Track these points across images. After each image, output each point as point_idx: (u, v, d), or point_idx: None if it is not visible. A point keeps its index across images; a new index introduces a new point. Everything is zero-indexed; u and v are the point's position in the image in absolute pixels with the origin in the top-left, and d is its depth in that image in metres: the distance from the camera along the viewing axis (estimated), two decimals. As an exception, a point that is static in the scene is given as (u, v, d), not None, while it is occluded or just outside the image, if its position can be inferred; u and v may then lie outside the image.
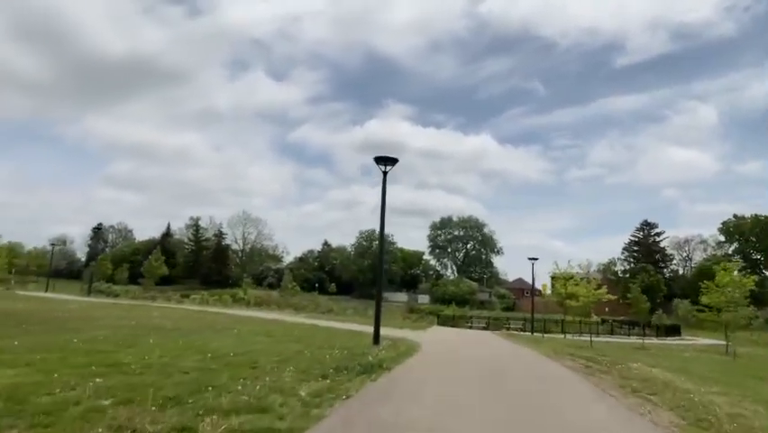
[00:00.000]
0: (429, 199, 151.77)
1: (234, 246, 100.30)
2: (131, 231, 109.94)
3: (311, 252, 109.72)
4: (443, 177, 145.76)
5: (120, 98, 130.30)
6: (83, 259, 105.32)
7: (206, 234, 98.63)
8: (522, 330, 40.39)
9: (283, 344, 14.79)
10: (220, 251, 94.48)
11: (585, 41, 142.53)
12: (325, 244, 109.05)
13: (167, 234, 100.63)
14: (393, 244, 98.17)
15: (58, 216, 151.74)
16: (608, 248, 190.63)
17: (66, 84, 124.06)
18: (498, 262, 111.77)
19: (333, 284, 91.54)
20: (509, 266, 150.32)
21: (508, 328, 40.00)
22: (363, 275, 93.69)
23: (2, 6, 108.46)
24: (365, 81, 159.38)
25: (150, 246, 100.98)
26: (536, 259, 36.62)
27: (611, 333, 46.65)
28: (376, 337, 16.81)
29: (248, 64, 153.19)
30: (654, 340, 41.72)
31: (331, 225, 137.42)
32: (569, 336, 37.13)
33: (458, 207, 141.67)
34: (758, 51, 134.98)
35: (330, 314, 64.23)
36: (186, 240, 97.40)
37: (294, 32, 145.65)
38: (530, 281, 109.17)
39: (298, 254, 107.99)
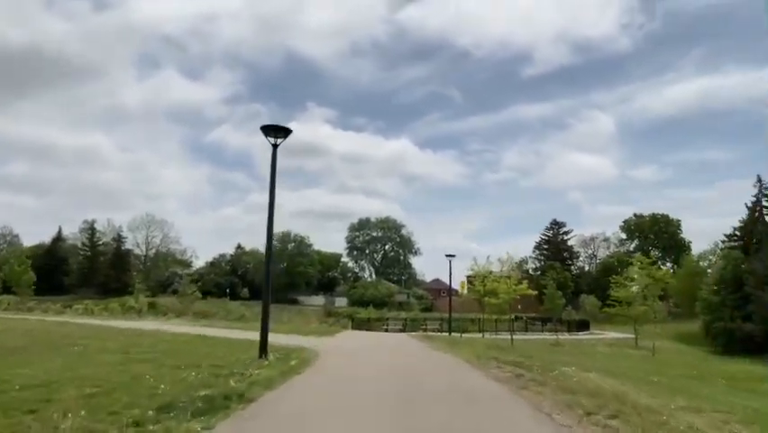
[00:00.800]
0: (350, 203, 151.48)
1: (137, 251, 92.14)
2: (16, 236, 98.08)
3: (223, 256, 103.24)
4: (364, 180, 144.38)
5: (17, 95, 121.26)
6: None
7: (105, 238, 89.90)
8: (439, 331, 38.25)
9: (130, 364, 11.06)
10: (119, 256, 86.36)
11: (497, 51, 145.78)
12: (238, 247, 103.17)
13: (58, 238, 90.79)
14: (310, 246, 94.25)
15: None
16: (520, 248, 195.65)
17: None
18: (416, 262, 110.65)
19: (245, 289, 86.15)
20: (427, 267, 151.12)
21: (425, 329, 37.65)
22: (278, 279, 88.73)
23: None
24: (285, 83, 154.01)
25: (38, 253, 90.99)
26: (453, 256, 34.58)
27: (526, 330, 45.71)
28: (262, 349, 13.42)
29: (159, 62, 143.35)
30: (567, 336, 41.18)
31: (250, 230, 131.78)
32: (487, 336, 35.51)
33: (377, 209, 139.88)
34: (648, 66, 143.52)
35: (240, 321, 59.57)
36: (80, 245, 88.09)
37: (210, 31, 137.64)
38: (447, 282, 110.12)
39: (210, 259, 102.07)
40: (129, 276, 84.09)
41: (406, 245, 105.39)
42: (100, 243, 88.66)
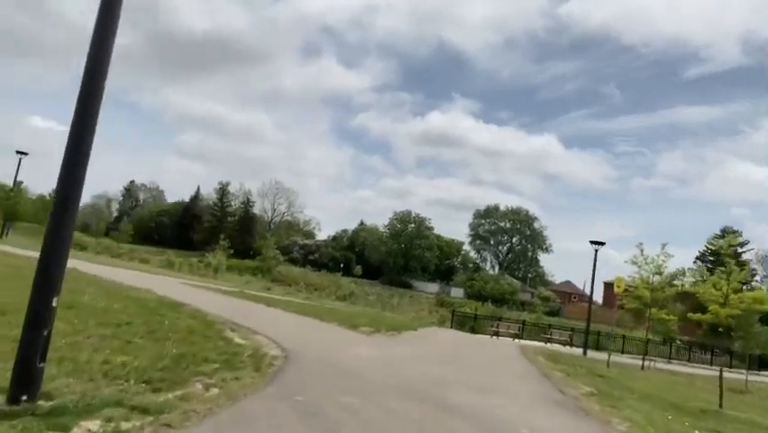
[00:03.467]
0: (483, 196, 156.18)
1: (265, 217, 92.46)
2: (162, 191, 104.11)
3: (345, 231, 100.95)
4: (501, 175, 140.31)
5: (197, 74, 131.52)
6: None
7: (235, 201, 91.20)
8: (568, 344, 29.57)
9: None
10: (245, 219, 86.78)
11: (664, 48, 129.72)
12: (360, 223, 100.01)
13: (195, 197, 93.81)
14: (430, 228, 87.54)
15: (126, 176, 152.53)
16: (670, 262, 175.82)
17: (148, 56, 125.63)
18: (545, 261, 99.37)
19: (359, 266, 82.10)
20: (557, 269, 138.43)
21: (549, 340, 29.13)
22: (394, 259, 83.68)
23: None
24: (433, 73, 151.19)
25: (177, 208, 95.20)
26: (602, 243, 25.53)
27: (689, 359, 35.06)
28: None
29: (320, 50, 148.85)
30: (754, 376, 29.82)
31: (381, 212, 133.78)
32: (631, 358, 26.29)
33: (512, 205, 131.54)
34: None
35: (342, 301, 55.06)
36: (211, 205, 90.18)
37: (368, 22, 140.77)
38: (580, 286, 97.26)
39: (332, 234, 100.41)
40: (253, 239, 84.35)
41: (537, 240, 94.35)
42: (230, 205, 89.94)
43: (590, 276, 25.97)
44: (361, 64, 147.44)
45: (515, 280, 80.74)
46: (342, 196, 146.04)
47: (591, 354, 24.81)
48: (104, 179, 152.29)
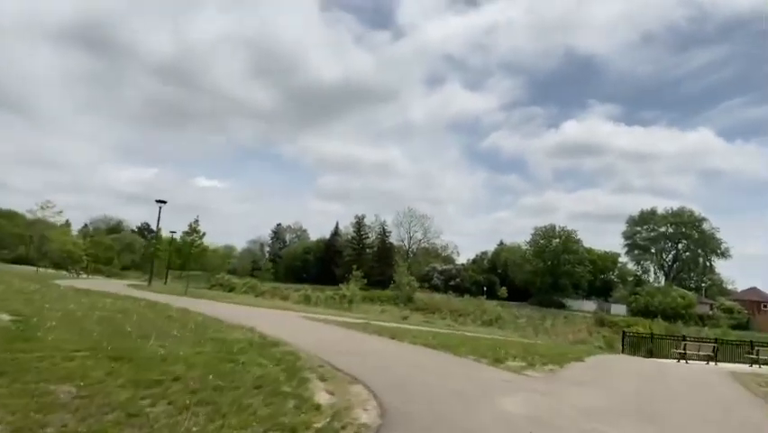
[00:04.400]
0: (633, 203, 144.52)
1: (399, 244, 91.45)
2: (305, 231, 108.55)
3: (485, 253, 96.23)
4: (651, 178, 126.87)
5: (330, 119, 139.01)
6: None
7: (372, 233, 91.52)
8: (788, 367, 22.65)
9: None
10: (383, 249, 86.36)
11: None
12: (500, 243, 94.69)
13: (335, 233, 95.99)
14: (577, 241, 79.45)
15: (276, 221, 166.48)
16: None
17: (286, 109, 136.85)
18: (721, 267, 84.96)
19: (503, 288, 76.75)
20: (737, 276, 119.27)
21: (757, 361, 22.48)
22: (541, 278, 76.89)
23: (244, 50, 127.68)
24: (564, 83, 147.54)
25: (320, 245, 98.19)
26: None
27: None
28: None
29: (444, 78, 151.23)
30: None
31: (521, 232, 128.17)
32: None
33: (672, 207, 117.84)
34: None
35: (488, 326, 50.75)
36: (349, 238, 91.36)
37: (488, 43, 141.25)
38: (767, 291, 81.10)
39: (472, 257, 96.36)
40: (392, 269, 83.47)
41: (709, 244, 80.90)
42: (367, 236, 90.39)
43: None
44: (486, 85, 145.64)
45: (687, 292, 69.41)
46: (479, 219, 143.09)
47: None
48: (258, 226, 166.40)
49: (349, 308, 31.50)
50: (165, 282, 46.12)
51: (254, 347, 8.92)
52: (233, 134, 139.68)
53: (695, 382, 12.64)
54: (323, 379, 6.94)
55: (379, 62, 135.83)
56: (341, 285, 38.95)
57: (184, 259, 34.12)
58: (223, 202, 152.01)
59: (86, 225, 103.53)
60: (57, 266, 55.10)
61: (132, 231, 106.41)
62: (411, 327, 19.26)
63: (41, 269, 48.03)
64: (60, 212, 57.06)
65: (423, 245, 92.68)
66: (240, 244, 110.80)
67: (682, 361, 21.76)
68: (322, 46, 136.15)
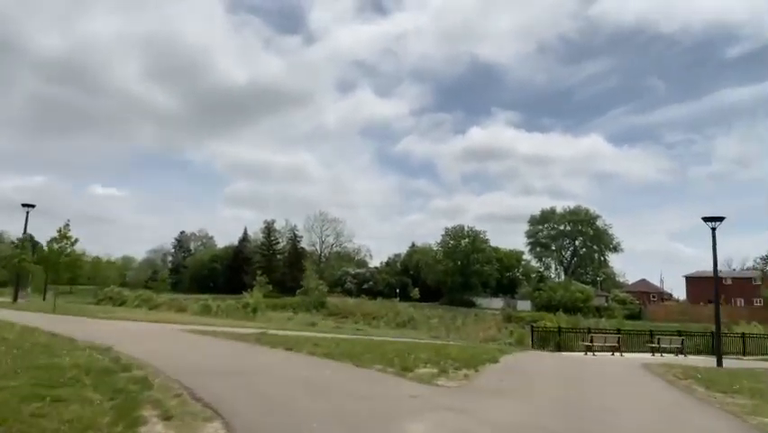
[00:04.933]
0: (534, 205, 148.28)
1: (311, 249, 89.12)
2: (211, 238, 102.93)
3: (397, 256, 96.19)
4: (550, 180, 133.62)
5: (240, 124, 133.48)
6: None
7: (282, 238, 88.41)
8: (681, 353, 23.53)
9: None
10: (294, 255, 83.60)
11: (703, 31, 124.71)
12: (411, 246, 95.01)
13: (244, 239, 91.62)
14: (486, 241, 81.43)
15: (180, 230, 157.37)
16: (744, 248, 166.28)
17: (192, 114, 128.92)
18: (614, 261, 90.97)
19: (416, 289, 76.88)
20: (627, 270, 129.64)
21: (657, 350, 23.17)
22: (451, 278, 77.87)
23: (144, 51, 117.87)
24: (470, 90, 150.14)
25: (228, 253, 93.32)
26: (721, 220, 19.45)
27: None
28: None
29: (354, 84, 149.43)
30: None
31: (433, 234, 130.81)
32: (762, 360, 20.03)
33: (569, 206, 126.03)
34: None
35: (401, 328, 49.95)
36: (259, 245, 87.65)
37: (397, 50, 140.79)
38: (657, 283, 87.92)
39: (385, 260, 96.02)
40: (303, 275, 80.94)
41: (603, 240, 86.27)
42: (277, 242, 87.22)
43: (711, 261, 19.73)
44: (396, 91, 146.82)
45: (585, 286, 73.21)
46: (392, 222, 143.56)
47: (708, 360, 18.80)
48: (161, 236, 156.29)
49: (253, 317, 29.10)
50: (44, 298, 40.73)
51: (92, 375, 6.85)
52: (133, 140, 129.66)
53: (617, 380, 12.03)
54: (167, 417, 5.13)
55: (290, 67, 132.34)
56: (244, 293, 36.28)
57: (53, 270, 29.75)
58: (123, 211, 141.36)
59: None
60: None
61: (13, 243, 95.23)
62: (317, 334, 17.51)
63: None
64: None
65: (335, 250, 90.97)
66: (141, 255, 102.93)
67: (590, 353, 21.85)
68: (228, 49, 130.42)
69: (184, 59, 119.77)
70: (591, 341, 22.74)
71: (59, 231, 29.51)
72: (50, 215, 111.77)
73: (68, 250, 29.33)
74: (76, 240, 29.71)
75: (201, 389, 6.52)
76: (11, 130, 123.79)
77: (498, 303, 72.19)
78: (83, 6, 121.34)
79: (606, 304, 69.42)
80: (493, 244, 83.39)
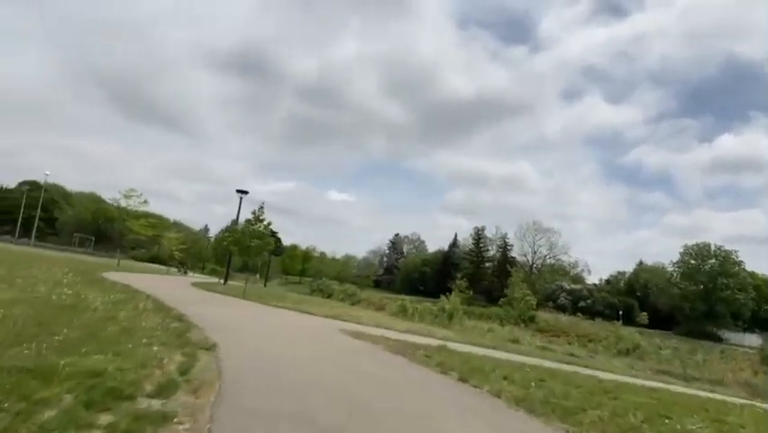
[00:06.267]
0: None
1: (522, 259, 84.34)
2: (423, 242, 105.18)
3: (621, 274, 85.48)
4: None
5: (461, 134, 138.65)
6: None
7: (492, 246, 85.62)
8: None
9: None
10: (504, 264, 79.98)
11: None
12: (639, 264, 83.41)
13: (453, 244, 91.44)
14: (739, 263, 66.80)
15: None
16: None
17: (419, 125, 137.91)
18: None
19: (643, 313, 66.64)
20: None
21: None
22: (691, 304, 65.57)
23: (380, 69, 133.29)
24: (721, 93, 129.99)
25: (438, 258, 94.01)
26: None
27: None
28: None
29: (582, 91, 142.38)
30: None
31: (664, 254, 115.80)
32: None
33: None
34: None
35: (623, 357, 42.50)
36: (468, 251, 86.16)
37: (635, 53, 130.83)
38: None
39: (606, 277, 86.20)
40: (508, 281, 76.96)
41: None
42: (487, 249, 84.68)
43: None
44: (629, 97, 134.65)
45: None
46: (614, 238, 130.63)
47: None
48: (381, 238, 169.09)
49: (448, 324, 27.03)
50: (265, 285, 44.94)
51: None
52: (366, 149, 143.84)
53: None
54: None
55: (514, 77, 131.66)
56: (442, 297, 34.60)
57: (245, 253, 30.11)
58: (352, 214, 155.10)
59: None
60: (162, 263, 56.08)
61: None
62: (515, 356, 13.70)
63: (171, 268, 49.30)
64: (145, 201, 51.93)
65: (548, 261, 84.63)
66: (362, 254, 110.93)
67: None
68: (457, 63, 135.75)
69: (415, 74, 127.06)
70: None
71: (254, 213, 29.45)
72: (296, 216, 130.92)
73: (262, 231, 29.23)
74: (269, 223, 30.12)
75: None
76: (273, 143, 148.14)
77: (753, 340, 58.29)
78: (332, 31, 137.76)
79: None
80: (748, 268, 68.20)
